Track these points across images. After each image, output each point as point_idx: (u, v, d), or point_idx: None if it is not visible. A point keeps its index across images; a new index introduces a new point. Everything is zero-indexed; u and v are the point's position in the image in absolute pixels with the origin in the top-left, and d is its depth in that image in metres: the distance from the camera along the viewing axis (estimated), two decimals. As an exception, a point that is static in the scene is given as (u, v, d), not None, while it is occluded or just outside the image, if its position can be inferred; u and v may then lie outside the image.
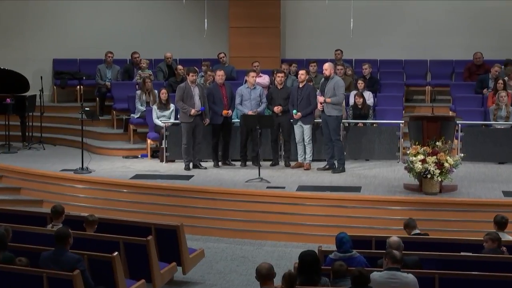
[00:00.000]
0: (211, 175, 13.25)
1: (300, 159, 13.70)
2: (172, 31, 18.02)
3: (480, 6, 17.49)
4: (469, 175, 13.09)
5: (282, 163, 13.92)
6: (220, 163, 13.92)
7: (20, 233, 8.85)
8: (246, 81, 14.24)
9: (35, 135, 16.05)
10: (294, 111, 13.43)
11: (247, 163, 13.89)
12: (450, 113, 15.36)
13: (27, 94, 15.91)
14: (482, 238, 8.41)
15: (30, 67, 17.26)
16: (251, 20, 17.49)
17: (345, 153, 13.68)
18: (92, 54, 17.57)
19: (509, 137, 13.95)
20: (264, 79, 15.36)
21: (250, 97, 13.85)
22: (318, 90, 13.60)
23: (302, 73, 13.62)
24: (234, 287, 9.59)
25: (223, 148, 13.96)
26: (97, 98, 16.80)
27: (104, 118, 16.22)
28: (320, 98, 13.20)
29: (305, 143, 13.55)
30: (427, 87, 17.16)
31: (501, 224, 8.92)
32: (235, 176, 13.09)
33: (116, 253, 8.18)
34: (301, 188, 12.27)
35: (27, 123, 15.93)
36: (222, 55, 16.86)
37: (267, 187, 12.31)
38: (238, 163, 13.91)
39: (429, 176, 11.63)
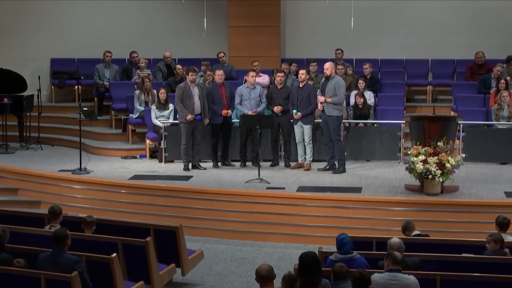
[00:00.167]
0: (211, 175, 13.20)
1: (300, 159, 13.64)
2: (171, 30, 17.97)
3: (481, 5, 17.44)
4: (470, 175, 13.04)
5: (282, 163, 13.87)
6: (219, 164, 13.86)
7: (17, 234, 8.81)
8: (245, 80, 14.18)
9: (33, 135, 16.01)
10: (294, 111, 13.36)
11: (247, 163, 13.84)
12: (452, 113, 15.31)
13: (25, 94, 15.88)
14: (484, 239, 8.38)
15: (28, 67, 17.22)
16: (250, 19, 17.43)
17: (345, 154, 13.63)
18: (90, 54, 17.52)
19: (511, 137, 13.87)
20: (264, 78, 15.29)
21: (249, 97, 13.78)
22: (318, 90, 13.53)
23: (302, 72, 13.56)
24: (234, 288, 9.56)
25: (223, 149, 13.90)
26: (95, 98, 16.76)
27: (103, 118, 16.20)
28: (321, 98, 13.14)
29: (305, 143, 13.49)
30: (428, 86, 17.11)
31: (503, 225, 8.91)
32: (235, 177, 13.04)
33: (114, 254, 8.14)
34: (301, 188, 12.22)
35: (24, 123, 15.90)
36: (221, 54, 16.80)
37: (267, 188, 12.26)
38: (237, 164, 13.86)
39: (430, 176, 11.58)
